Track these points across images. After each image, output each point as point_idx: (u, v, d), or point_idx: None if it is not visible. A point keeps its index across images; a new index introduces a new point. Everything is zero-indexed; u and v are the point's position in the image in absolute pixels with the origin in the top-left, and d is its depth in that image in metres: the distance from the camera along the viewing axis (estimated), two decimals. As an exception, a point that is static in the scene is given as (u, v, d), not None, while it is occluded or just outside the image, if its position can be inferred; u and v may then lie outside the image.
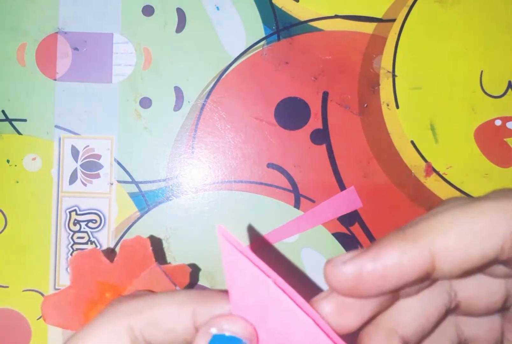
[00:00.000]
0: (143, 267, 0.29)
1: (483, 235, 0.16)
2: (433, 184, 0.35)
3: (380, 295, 0.17)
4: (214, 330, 0.19)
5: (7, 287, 0.35)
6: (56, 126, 0.35)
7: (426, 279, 0.17)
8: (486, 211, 0.17)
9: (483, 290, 0.19)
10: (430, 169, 0.35)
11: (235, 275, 0.19)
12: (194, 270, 0.34)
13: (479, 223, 0.16)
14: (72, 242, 0.35)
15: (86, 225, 0.35)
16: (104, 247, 0.35)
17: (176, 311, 0.20)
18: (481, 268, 0.17)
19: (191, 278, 0.30)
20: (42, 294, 0.35)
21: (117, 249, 0.34)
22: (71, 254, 0.35)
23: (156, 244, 0.34)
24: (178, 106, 0.35)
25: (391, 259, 0.16)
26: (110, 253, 0.33)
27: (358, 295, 0.17)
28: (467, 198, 0.19)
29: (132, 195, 0.35)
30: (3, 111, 0.35)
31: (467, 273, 0.17)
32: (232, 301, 0.20)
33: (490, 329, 0.21)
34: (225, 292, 0.21)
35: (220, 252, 0.21)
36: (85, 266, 0.28)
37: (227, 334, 0.19)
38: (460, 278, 0.19)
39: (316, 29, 0.35)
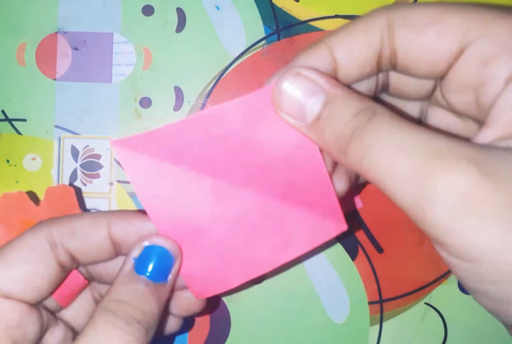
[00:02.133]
0: (67, 213, 0.31)
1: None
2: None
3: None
4: (146, 243, 0.22)
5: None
6: (56, 126, 0.35)
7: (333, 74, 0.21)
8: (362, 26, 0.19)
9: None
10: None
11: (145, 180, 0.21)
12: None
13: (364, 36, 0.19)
14: (72, 242, 0.35)
15: (86, 225, 0.35)
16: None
17: (93, 222, 0.23)
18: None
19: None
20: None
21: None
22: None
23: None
24: (178, 106, 0.35)
25: (302, 62, 0.21)
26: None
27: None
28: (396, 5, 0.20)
29: (132, 195, 0.35)
30: (3, 111, 0.35)
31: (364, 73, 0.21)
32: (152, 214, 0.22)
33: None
34: (138, 211, 0.24)
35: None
36: (11, 206, 0.30)
37: (157, 245, 0.22)
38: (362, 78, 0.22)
39: (316, 29, 0.35)
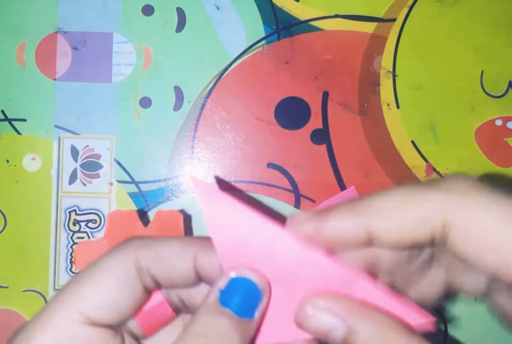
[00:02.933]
0: None
1: (414, 225, 0.18)
2: (433, 184, 0.35)
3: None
4: (233, 274, 0.21)
5: (7, 287, 0.35)
6: (56, 126, 0.35)
7: (369, 245, 0.20)
8: (424, 201, 0.18)
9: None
10: (431, 169, 0.35)
11: (223, 224, 0.21)
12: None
13: (413, 213, 0.18)
14: (71, 242, 0.35)
15: (86, 225, 0.35)
16: (104, 247, 0.35)
17: (180, 249, 0.22)
18: (417, 246, 0.19)
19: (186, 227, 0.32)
20: (41, 295, 0.35)
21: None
22: (71, 254, 0.35)
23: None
24: (178, 106, 0.35)
25: (332, 225, 0.19)
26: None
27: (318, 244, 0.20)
28: (422, 182, 0.20)
29: (132, 195, 0.35)
30: (2, 111, 0.35)
31: (405, 248, 0.19)
32: (223, 253, 0.21)
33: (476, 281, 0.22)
34: None
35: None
36: (120, 223, 0.30)
37: (244, 277, 0.21)
38: (402, 249, 0.21)
39: (316, 29, 0.35)
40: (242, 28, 0.35)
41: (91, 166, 0.35)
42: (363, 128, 0.35)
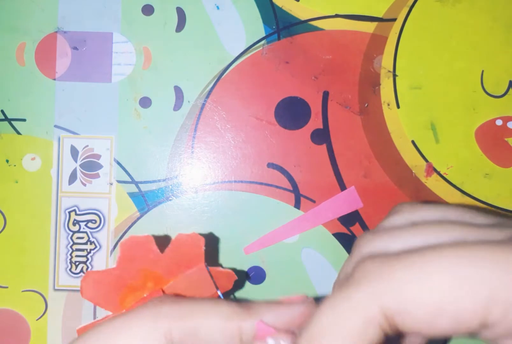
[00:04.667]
0: (191, 265, 0.28)
1: (361, 327, 0.16)
2: (434, 184, 0.35)
3: None
4: (271, 341, 0.19)
5: (6, 287, 0.35)
6: (56, 126, 0.35)
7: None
8: (354, 301, 0.16)
9: None
10: (431, 169, 0.35)
11: None
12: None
13: (352, 319, 0.16)
14: (71, 242, 0.35)
15: (86, 225, 0.35)
16: (104, 247, 0.35)
17: (223, 325, 0.19)
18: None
19: (234, 286, 0.30)
20: (41, 295, 0.35)
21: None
22: (70, 255, 0.35)
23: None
24: (178, 105, 0.35)
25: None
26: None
27: None
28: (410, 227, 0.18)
29: (132, 195, 0.35)
30: (2, 111, 0.35)
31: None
32: None
33: None
34: (268, 304, 0.21)
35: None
36: (134, 252, 0.27)
37: None
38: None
39: (316, 29, 0.35)
40: (242, 28, 0.35)
41: (91, 166, 0.35)
42: (363, 128, 0.35)
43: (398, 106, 0.35)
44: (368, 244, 0.20)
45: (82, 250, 0.35)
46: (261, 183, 0.35)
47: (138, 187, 0.35)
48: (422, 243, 0.18)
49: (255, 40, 0.35)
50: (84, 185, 0.35)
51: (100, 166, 0.35)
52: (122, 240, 0.28)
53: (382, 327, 0.16)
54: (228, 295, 0.35)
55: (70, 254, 0.35)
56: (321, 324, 0.16)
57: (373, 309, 0.16)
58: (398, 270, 0.16)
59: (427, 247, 0.17)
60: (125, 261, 0.27)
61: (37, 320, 0.35)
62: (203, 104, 0.35)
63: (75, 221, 0.35)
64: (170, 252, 0.28)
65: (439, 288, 0.15)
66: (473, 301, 0.15)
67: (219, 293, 0.28)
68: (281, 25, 0.35)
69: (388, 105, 0.35)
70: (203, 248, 0.28)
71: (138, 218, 0.35)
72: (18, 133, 0.35)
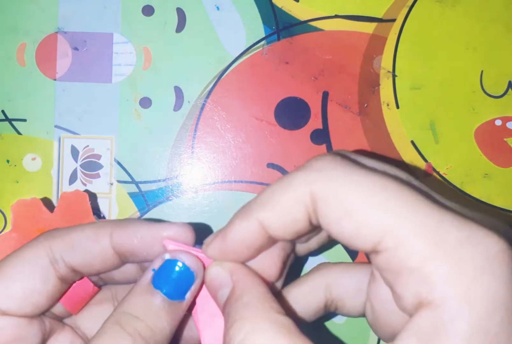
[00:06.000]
0: (81, 220, 0.30)
1: (289, 206, 0.19)
2: (433, 184, 0.35)
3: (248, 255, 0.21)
4: (167, 256, 0.21)
5: (7, 287, 0.35)
6: (56, 126, 0.35)
7: (272, 241, 0.21)
8: (292, 182, 0.19)
9: None
10: (431, 169, 0.35)
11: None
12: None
13: (286, 195, 0.19)
14: (72, 242, 0.35)
15: (86, 225, 0.35)
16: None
17: (94, 234, 0.22)
18: (305, 233, 0.20)
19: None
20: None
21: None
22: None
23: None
24: (178, 106, 0.35)
25: (234, 237, 0.20)
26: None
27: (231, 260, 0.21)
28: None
29: (132, 195, 0.35)
30: (2, 111, 0.35)
31: (299, 236, 0.20)
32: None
33: (357, 290, 0.23)
34: (140, 219, 0.23)
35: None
36: (26, 213, 0.30)
37: (179, 261, 0.21)
38: (298, 238, 0.22)
39: (316, 29, 0.35)
40: (242, 28, 0.35)
41: (91, 166, 0.35)
42: (363, 128, 0.35)
43: (397, 107, 0.35)
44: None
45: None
46: (261, 183, 0.35)
47: (138, 187, 0.35)
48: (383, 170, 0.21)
49: (255, 41, 0.35)
50: (85, 185, 0.35)
51: (100, 166, 0.35)
52: (12, 204, 0.31)
53: (307, 209, 0.18)
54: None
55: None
56: (260, 198, 0.19)
57: (302, 189, 0.18)
58: (338, 171, 0.18)
59: (380, 170, 0.20)
60: (19, 223, 0.30)
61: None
62: (203, 105, 0.35)
63: (75, 221, 0.35)
64: (59, 211, 0.30)
65: (358, 198, 0.17)
66: (374, 223, 0.17)
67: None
68: (281, 26, 0.35)
69: (388, 105, 0.35)
70: (89, 203, 0.31)
71: (139, 218, 0.35)
72: (19, 133, 0.35)
